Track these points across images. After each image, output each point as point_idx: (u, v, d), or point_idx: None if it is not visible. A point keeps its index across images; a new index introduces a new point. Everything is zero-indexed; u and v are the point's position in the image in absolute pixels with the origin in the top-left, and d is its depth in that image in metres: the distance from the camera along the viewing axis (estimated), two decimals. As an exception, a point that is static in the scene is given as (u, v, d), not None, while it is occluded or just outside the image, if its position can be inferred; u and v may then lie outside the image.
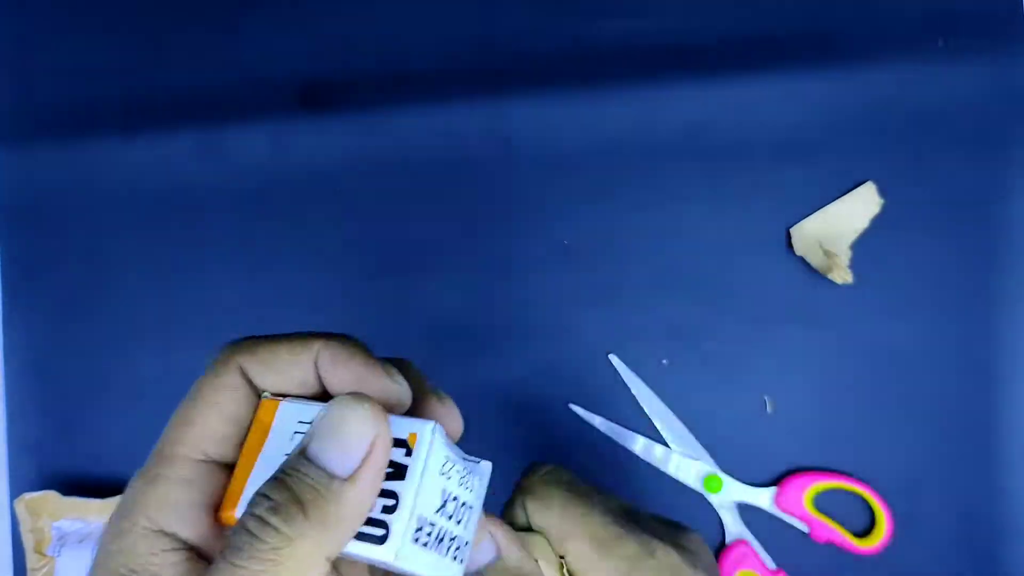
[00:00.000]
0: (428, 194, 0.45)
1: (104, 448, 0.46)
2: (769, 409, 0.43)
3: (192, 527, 0.21)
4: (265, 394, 0.23)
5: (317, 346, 0.22)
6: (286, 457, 0.20)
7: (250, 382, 0.23)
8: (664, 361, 0.43)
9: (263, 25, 0.46)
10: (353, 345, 0.23)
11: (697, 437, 0.43)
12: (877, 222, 0.43)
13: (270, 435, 0.22)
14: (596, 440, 0.43)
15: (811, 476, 0.42)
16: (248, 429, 0.23)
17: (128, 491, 0.22)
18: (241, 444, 0.23)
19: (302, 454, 0.20)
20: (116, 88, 0.47)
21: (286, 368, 0.23)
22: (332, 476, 0.19)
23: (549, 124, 0.44)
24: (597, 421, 0.43)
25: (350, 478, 0.19)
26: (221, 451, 0.23)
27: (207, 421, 0.23)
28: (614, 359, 0.44)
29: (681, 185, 0.44)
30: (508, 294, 0.44)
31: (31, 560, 0.43)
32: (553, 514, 0.29)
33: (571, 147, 0.44)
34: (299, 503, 0.19)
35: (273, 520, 0.19)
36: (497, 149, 0.45)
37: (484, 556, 0.26)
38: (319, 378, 0.23)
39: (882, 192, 0.43)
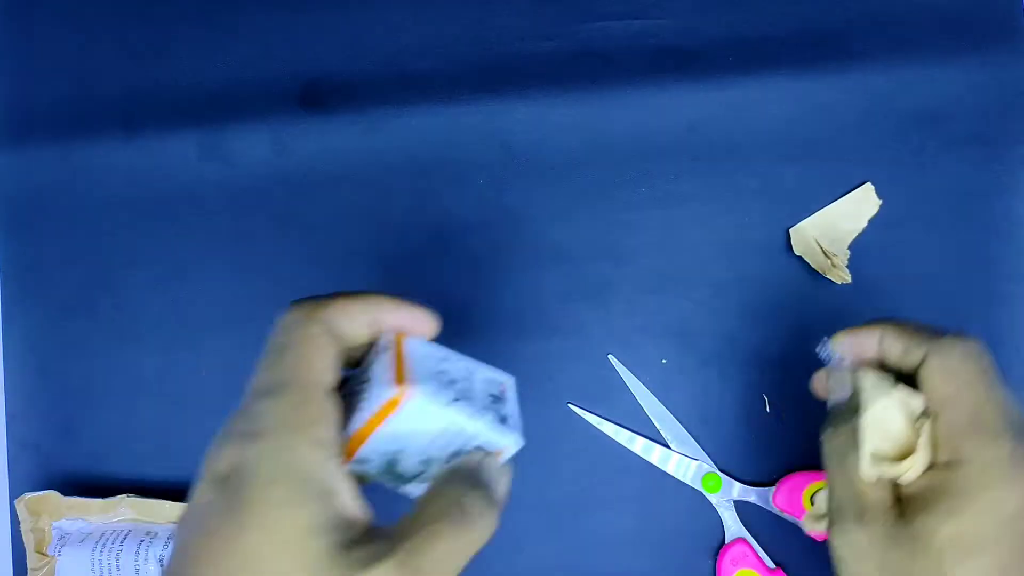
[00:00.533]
0: (428, 194, 0.45)
1: (104, 447, 0.46)
2: (768, 409, 0.43)
3: (337, 436, 0.26)
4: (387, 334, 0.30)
5: (375, 300, 0.30)
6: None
7: (331, 329, 0.29)
8: (663, 361, 0.43)
9: (263, 25, 0.46)
10: (395, 299, 0.30)
11: (696, 437, 0.43)
12: (875, 222, 0.43)
13: (409, 361, 0.29)
14: (595, 440, 0.44)
15: (810, 475, 0.42)
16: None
17: (272, 417, 0.26)
18: (337, 376, 0.28)
19: (481, 478, 0.29)
20: (116, 88, 0.47)
21: (358, 317, 0.29)
22: (496, 500, 0.29)
23: (548, 124, 0.44)
24: (596, 421, 0.44)
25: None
26: (329, 380, 0.27)
27: (318, 359, 0.27)
28: (613, 359, 0.44)
29: (680, 185, 0.44)
30: (507, 294, 0.44)
31: (31, 560, 0.44)
32: (956, 380, 0.29)
33: (570, 147, 0.44)
34: (495, 504, 0.29)
35: (491, 511, 0.29)
36: (496, 149, 0.45)
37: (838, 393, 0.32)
38: (378, 325, 0.30)
39: (880, 192, 0.43)
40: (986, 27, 0.43)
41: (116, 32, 0.47)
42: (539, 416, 0.44)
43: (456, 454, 0.29)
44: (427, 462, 0.29)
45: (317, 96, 0.45)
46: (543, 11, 0.45)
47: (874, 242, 0.43)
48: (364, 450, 0.28)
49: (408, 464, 0.29)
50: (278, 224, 0.45)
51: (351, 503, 0.26)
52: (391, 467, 0.29)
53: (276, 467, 0.25)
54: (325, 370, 0.27)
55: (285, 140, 0.45)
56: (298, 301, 0.30)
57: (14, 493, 0.46)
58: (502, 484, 0.30)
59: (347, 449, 0.28)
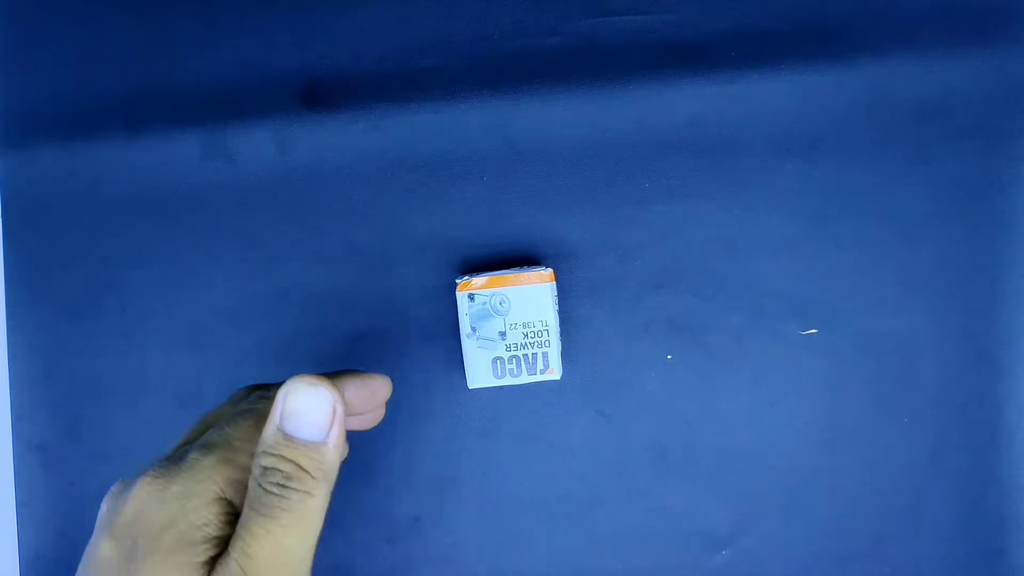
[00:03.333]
0: (432, 190, 0.45)
1: (110, 447, 0.46)
2: (806, 335, 0.43)
3: (240, 498, 0.28)
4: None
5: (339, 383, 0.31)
6: (264, 437, 0.28)
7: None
8: (669, 356, 0.43)
9: (266, 23, 0.46)
10: (351, 376, 0.32)
11: (701, 432, 0.43)
12: (878, 215, 0.43)
13: None
14: (601, 436, 0.44)
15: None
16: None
17: (195, 463, 0.27)
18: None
19: (281, 431, 0.27)
20: (119, 87, 0.47)
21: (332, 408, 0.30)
22: (316, 444, 0.27)
23: (551, 120, 0.44)
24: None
25: (329, 441, 0.27)
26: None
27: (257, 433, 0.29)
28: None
29: (683, 180, 0.44)
30: (512, 291, 0.44)
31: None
32: None
33: (573, 143, 0.44)
34: (303, 469, 0.27)
35: (292, 484, 0.26)
36: (500, 145, 0.45)
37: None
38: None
39: (884, 185, 0.43)
40: (989, 20, 0.43)
41: (118, 31, 0.47)
42: (544, 412, 0.44)
43: None
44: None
45: (320, 94, 0.45)
46: (546, 7, 0.45)
47: (878, 234, 0.43)
48: None
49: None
50: (282, 222, 0.45)
51: (213, 545, 0.27)
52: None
53: (172, 514, 0.27)
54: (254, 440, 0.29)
55: (288, 138, 0.45)
56: (254, 387, 0.32)
57: (20, 494, 0.46)
58: (308, 426, 0.28)
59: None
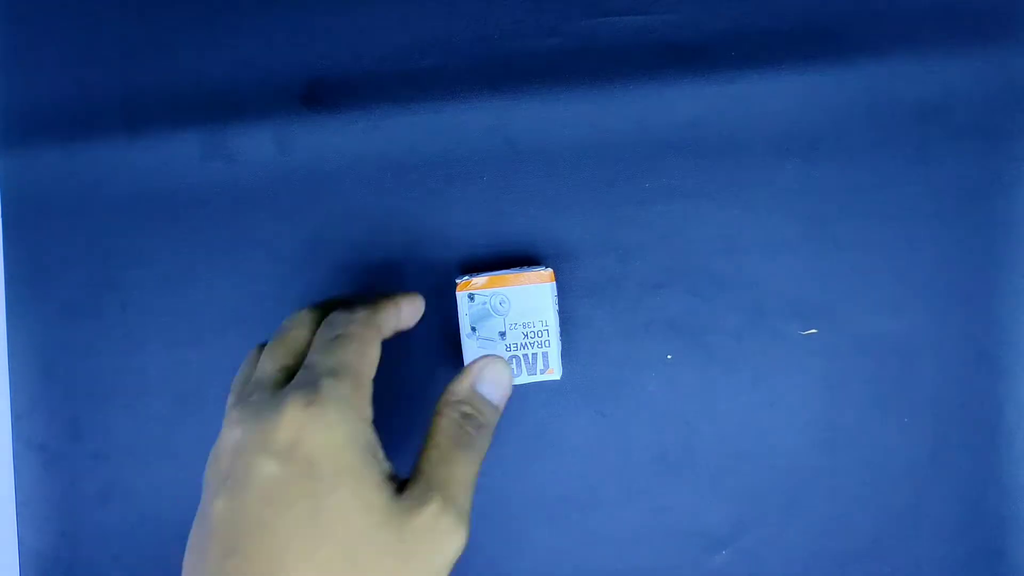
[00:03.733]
0: (431, 191, 0.45)
1: (110, 447, 0.46)
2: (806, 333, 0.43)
3: (371, 416, 0.32)
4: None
5: (398, 300, 0.37)
6: (459, 391, 0.34)
7: (380, 333, 0.35)
8: (669, 356, 0.43)
9: (266, 23, 0.46)
10: (406, 296, 0.38)
11: (701, 432, 0.43)
12: (878, 215, 0.43)
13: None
14: (602, 436, 0.44)
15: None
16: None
17: (335, 389, 0.31)
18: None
19: (475, 391, 0.34)
20: (118, 87, 0.47)
21: (393, 319, 0.36)
22: (495, 406, 0.34)
23: (552, 120, 0.44)
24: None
25: (500, 407, 0.34)
26: (374, 372, 0.33)
27: (371, 353, 0.33)
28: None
29: (683, 180, 0.44)
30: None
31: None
32: None
33: (573, 143, 0.44)
34: (486, 421, 0.33)
35: (481, 430, 0.33)
36: (500, 145, 0.45)
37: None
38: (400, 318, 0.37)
39: (884, 186, 0.43)
40: (989, 19, 0.43)
41: (118, 32, 0.47)
42: (544, 412, 0.44)
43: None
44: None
45: (320, 94, 0.45)
46: (546, 7, 0.45)
47: (878, 234, 0.43)
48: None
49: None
50: (282, 222, 0.45)
51: (387, 461, 0.31)
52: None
53: (344, 436, 0.30)
54: (373, 363, 0.33)
55: (288, 138, 0.45)
56: (345, 304, 0.36)
57: (20, 493, 0.46)
58: (496, 392, 0.35)
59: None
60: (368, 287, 0.45)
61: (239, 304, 0.45)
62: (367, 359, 0.33)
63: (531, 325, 0.39)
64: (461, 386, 0.34)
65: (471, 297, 0.39)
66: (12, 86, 0.48)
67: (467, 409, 0.33)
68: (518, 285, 0.39)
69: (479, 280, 0.40)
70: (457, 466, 0.32)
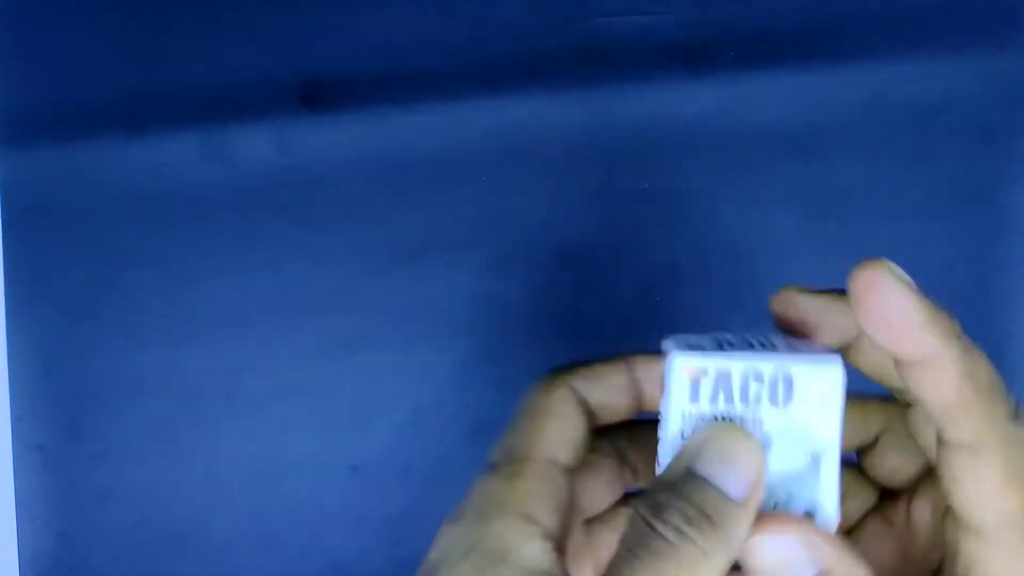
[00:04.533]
0: (431, 191, 0.45)
1: (110, 448, 0.46)
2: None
3: (555, 520, 0.23)
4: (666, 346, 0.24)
5: (634, 361, 0.26)
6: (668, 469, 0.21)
7: (578, 397, 0.25)
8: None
9: (265, 23, 0.46)
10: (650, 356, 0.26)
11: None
12: (879, 216, 0.43)
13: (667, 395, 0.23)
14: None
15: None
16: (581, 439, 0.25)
17: (479, 494, 0.23)
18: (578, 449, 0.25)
19: (691, 472, 0.21)
20: (117, 88, 0.47)
21: (611, 379, 0.26)
22: (730, 499, 0.21)
23: (551, 120, 0.44)
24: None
25: (744, 503, 0.21)
26: (565, 456, 0.24)
27: (550, 429, 0.24)
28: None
29: (683, 180, 0.44)
30: (511, 293, 0.44)
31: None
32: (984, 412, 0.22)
33: (573, 143, 0.44)
34: (709, 521, 0.20)
35: (691, 532, 0.20)
36: (499, 146, 0.45)
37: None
38: (638, 390, 0.26)
39: (884, 186, 0.43)
40: (989, 19, 0.43)
41: (116, 32, 0.47)
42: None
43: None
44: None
45: (319, 94, 0.45)
46: (545, 7, 0.45)
47: (875, 237, 0.43)
48: None
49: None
50: (281, 223, 0.45)
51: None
52: None
53: (467, 544, 0.22)
54: (560, 443, 0.24)
55: (287, 139, 0.45)
56: (555, 369, 0.26)
57: (20, 495, 0.46)
58: (731, 474, 0.21)
59: None
60: (368, 288, 0.45)
61: (239, 304, 0.45)
62: (542, 437, 0.24)
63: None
64: (668, 470, 0.22)
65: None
66: (12, 86, 0.48)
67: (664, 497, 0.20)
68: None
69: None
70: None
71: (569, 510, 0.24)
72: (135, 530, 0.46)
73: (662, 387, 0.23)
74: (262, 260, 0.45)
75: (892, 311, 0.22)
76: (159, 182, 0.46)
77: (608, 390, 0.26)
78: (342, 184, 0.45)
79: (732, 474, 0.21)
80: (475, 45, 0.45)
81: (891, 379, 0.24)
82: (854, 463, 0.28)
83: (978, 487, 0.21)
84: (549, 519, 0.22)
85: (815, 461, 0.22)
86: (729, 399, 0.22)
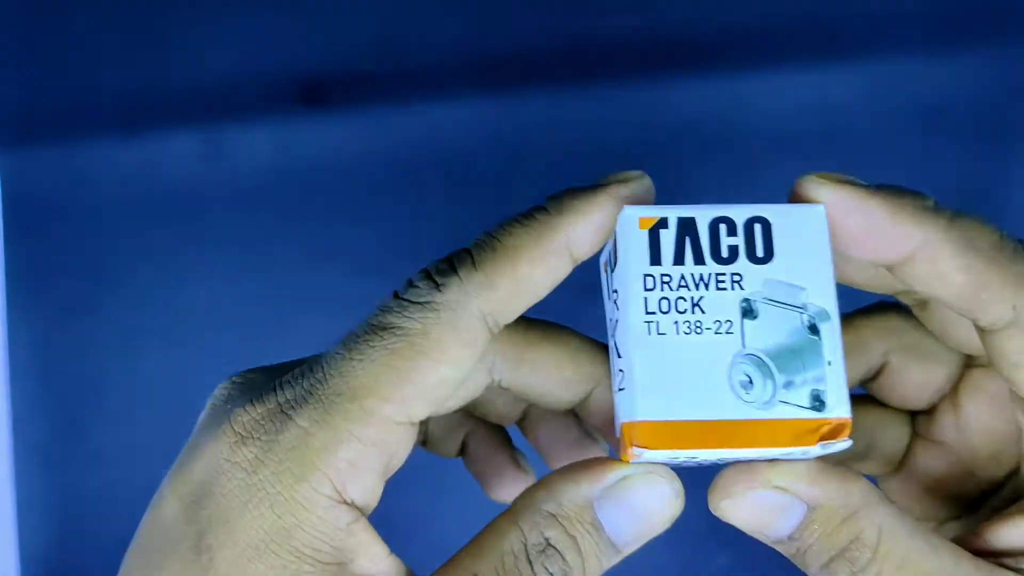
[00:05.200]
0: (430, 191, 0.45)
1: (110, 449, 0.46)
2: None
3: (372, 495, 0.19)
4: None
5: (562, 239, 0.20)
6: (563, 496, 0.19)
7: (491, 326, 0.19)
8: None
9: (262, 22, 0.46)
10: (593, 208, 0.21)
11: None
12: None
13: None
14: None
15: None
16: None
17: (294, 442, 0.18)
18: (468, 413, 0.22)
19: (592, 510, 0.19)
20: (117, 88, 0.47)
21: (540, 284, 0.20)
22: (615, 549, 0.19)
23: (550, 119, 0.44)
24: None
25: (623, 552, 0.20)
26: (431, 412, 0.19)
27: (427, 381, 0.19)
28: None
29: (683, 180, 0.44)
30: (511, 291, 0.44)
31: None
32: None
33: (572, 142, 0.44)
34: (583, 572, 0.19)
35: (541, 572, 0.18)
36: (498, 145, 0.45)
37: (784, 523, 0.20)
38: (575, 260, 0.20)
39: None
40: (989, 19, 0.43)
41: (115, 32, 0.47)
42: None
43: None
44: None
45: (317, 94, 0.45)
46: (544, 6, 0.45)
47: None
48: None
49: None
50: (280, 222, 0.45)
51: (371, 565, 0.19)
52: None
53: (268, 527, 0.18)
54: (426, 400, 0.19)
55: (285, 138, 0.45)
56: (447, 264, 0.21)
57: (21, 496, 0.46)
58: (630, 528, 0.19)
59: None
60: (368, 288, 0.45)
61: (237, 305, 0.45)
62: (395, 385, 0.19)
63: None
64: (572, 491, 0.19)
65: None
66: (12, 86, 0.48)
67: (553, 535, 0.18)
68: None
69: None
70: None
71: (399, 466, 0.20)
72: (135, 530, 0.46)
73: (611, 260, 0.19)
74: (261, 259, 0.45)
75: (853, 223, 0.19)
76: (158, 182, 0.46)
77: (534, 291, 0.20)
78: (340, 183, 0.45)
79: (631, 527, 0.19)
80: (473, 44, 0.45)
81: (895, 284, 0.21)
82: (871, 398, 0.25)
83: None
84: (366, 495, 0.19)
85: (813, 328, 0.18)
86: (699, 257, 0.18)
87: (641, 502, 0.19)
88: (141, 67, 0.47)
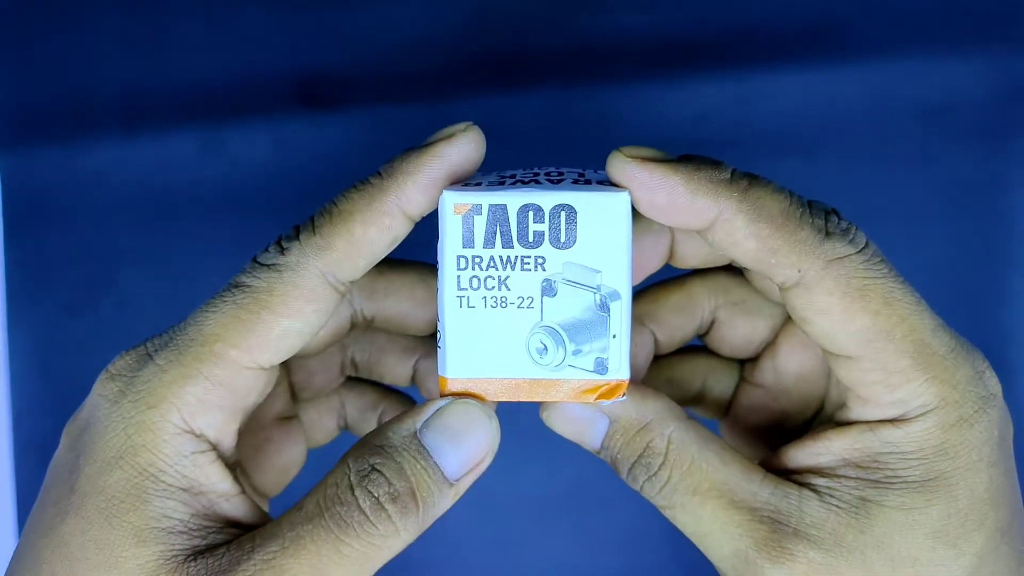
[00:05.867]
0: (431, 191, 0.45)
1: (110, 448, 0.46)
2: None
3: (221, 431, 0.22)
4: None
5: (395, 200, 0.22)
6: (390, 432, 0.20)
7: (334, 283, 0.22)
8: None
9: (263, 22, 0.46)
10: (423, 176, 0.23)
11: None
12: (880, 216, 0.43)
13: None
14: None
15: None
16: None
17: (149, 376, 0.21)
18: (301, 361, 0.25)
19: (417, 439, 0.20)
20: (117, 87, 0.47)
21: (376, 243, 0.22)
22: (445, 479, 0.21)
23: (552, 119, 0.44)
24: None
25: (456, 486, 0.21)
26: (277, 360, 0.22)
27: (272, 331, 0.21)
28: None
29: (684, 180, 0.44)
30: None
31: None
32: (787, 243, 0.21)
33: (574, 142, 0.44)
34: (415, 500, 0.20)
35: (391, 509, 0.20)
36: (500, 145, 0.45)
37: (594, 433, 0.23)
38: (409, 222, 0.22)
39: (885, 186, 0.43)
40: (989, 19, 0.43)
41: (115, 32, 0.47)
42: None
43: None
44: None
45: (317, 93, 0.45)
46: (546, 5, 0.45)
47: (881, 235, 0.43)
48: None
49: None
50: (280, 222, 0.45)
51: (221, 500, 0.21)
52: None
53: (117, 448, 0.20)
54: (270, 349, 0.21)
55: (286, 138, 0.45)
56: (308, 231, 0.23)
57: (20, 493, 0.46)
58: (457, 456, 0.21)
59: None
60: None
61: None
62: (240, 335, 0.21)
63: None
64: (397, 426, 0.21)
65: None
66: (12, 86, 0.48)
67: (378, 461, 0.20)
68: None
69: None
70: (300, 561, 0.19)
71: (254, 407, 0.22)
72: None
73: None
74: (262, 260, 0.45)
75: (659, 198, 0.20)
76: (158, 181, 0.46)
77: (371, 251, 0.22)
78: (340, 183, 0.45)
79: (456, 453, 0.21)
80: (475, 43, 0.45)
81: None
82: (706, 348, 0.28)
83: (825, 319, 0.21)
84: (216, 430, 0.21)
85: (604, 306, 0.21)
86: (507, 240, 0.21)
87: (460, 426, 0.21)
88: (141, 67, 0.47)
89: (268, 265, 0.22)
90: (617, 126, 0.44)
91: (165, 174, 0.46)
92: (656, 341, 0.26)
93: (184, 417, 0.21)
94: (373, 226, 0.22)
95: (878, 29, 0.43)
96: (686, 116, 0.44)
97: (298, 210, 0.46)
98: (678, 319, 0.26)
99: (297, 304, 0.21)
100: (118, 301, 0.46)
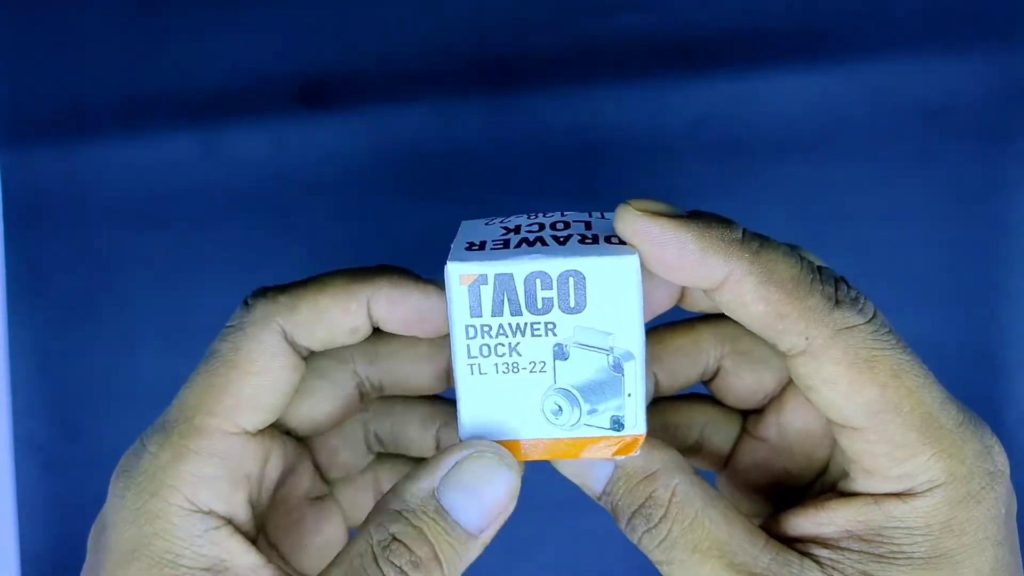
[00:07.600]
0: (430, 192, 0.45)
1: (110, 449, 0.46)
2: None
3: (229, 503, 0.22)
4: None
5: (367, 293, 0.23)
6: (406, 493, 0.20)
7: (293, 343, 0.22)
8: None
9: (263, 22, 0.46)
10: (403, 281, 0.24)
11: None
12: (879, 217, 0.43)
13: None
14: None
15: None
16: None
17: (146, 465, 0.22)
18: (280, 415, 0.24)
19: (435, 498, 0.20)
20: (117, 88, 0.47)
21: (336, 321, 0.22)
22: (467, 534, 0.20)
23: (551, 120, 0.44)
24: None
25: (480, 537, 0.20)
26: (259, 421, 0.22)
27: (243, 391, 0.22)
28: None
29: (684, 180, 0.44)
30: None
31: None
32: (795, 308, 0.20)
33: (573, 143, 0.44)
34: (438, 562, 0.20)
35: (390, 569, 0.19)
36: (498, 146, 0.45)
37: (597, 477, 0.22)
38: (371, 320, 0.23)
39: (884, 187, 0.43)
40: (989, 19, 0.43)
41: (115, 32, 0.47)
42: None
43: None
44: None
45: (317, 94, 0.45)
46: (545, 6, 0.45)
47: (880, 236, 0.43)
48: None
49: None
50: (280, 222, 0.45)
51: (249, 574, 0.21)
52: None
53: (132, 542, 0.21)
54: (247, 408, 0.21)
55: (286, 138, 0.45)
56: (263, 295, 0.23)
57: (21, 495, 0.46)
58: (475, 509, 0.20)
59: None
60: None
61: (237, 304, 0.45)
62: (218, 404, 0.21)
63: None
64: (412, 486, 0.20)
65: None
66: (12, 86, 0.48)
67: (398, 529, 0.19)
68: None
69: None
70: None
71: (264, 478, 0.22)
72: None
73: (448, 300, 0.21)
74: (261, 259, 0.45)
75: (668, 255, 0.20)
76: (158, 182, 0.46)
77: (331, 330, 0.22)
78: (340, 184, 0.45)
79: (476, 507, 0.20)
80: (474, 44, 0.45)
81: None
82: (710, 395, 0.27)
83: (832, 389, 0.20)
84: (222, 502, 0.21)
85: (617, 367, 0.20)
86: (516, 308, 0.20)
87: (477, 480, 0.20)
88: (140, 67, 0.47)
89: (234, 326, 0.23)
90: (617, 126, 0.44)
91: (165, 174, 0.46)
92: (657, 382, 0.26)
93: (187, 497, 0.21)
94: (339, 305, 0.22)
95: (878, 29, 0.43)
96: (686, 116, 0.44)
97: (298, 210, 0.46)
98: (682, 363, 0.26)
99: (263, 360, 0.22)
100: (118, 301, 0.46)
